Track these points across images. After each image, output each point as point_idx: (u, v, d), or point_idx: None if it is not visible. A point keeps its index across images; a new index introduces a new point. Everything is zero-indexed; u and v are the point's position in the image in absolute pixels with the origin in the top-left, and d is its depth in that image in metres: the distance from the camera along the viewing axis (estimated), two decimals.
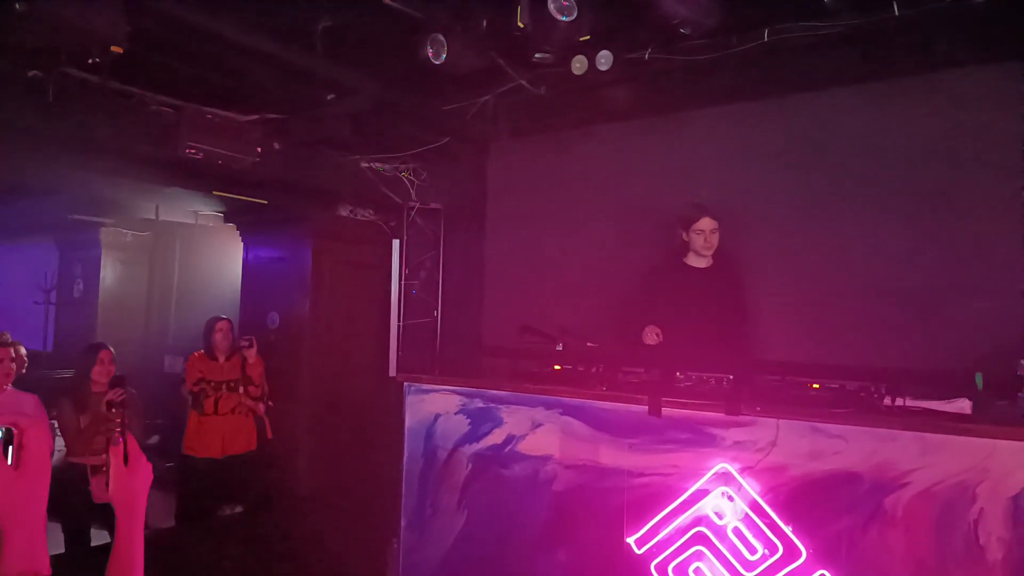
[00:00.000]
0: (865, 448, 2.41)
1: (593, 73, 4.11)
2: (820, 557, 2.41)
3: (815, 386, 2.60)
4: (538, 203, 4.68)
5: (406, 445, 3.11)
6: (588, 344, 3.04)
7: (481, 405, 3.03)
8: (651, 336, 3.18)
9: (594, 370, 2.89)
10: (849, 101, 3.68)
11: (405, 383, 3.19)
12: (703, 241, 3.36)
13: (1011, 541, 2.21)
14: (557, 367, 3.01)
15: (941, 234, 3.31)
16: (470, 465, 3.04)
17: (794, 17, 3.64)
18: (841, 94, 3.70)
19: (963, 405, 2.38)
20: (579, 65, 4.07)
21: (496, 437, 3.00)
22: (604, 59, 4.01)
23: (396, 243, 5.05)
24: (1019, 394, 2.38)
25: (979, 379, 2.42)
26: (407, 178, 5.39)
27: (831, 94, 3.72)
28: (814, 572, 2.40)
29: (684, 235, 3.44)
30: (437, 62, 3.64)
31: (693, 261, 3.46)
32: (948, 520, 2.30)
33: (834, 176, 3.62)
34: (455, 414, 3.08)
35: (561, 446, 2.87)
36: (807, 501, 2.48)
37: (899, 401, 2.46)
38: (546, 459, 2.89)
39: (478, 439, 3.03)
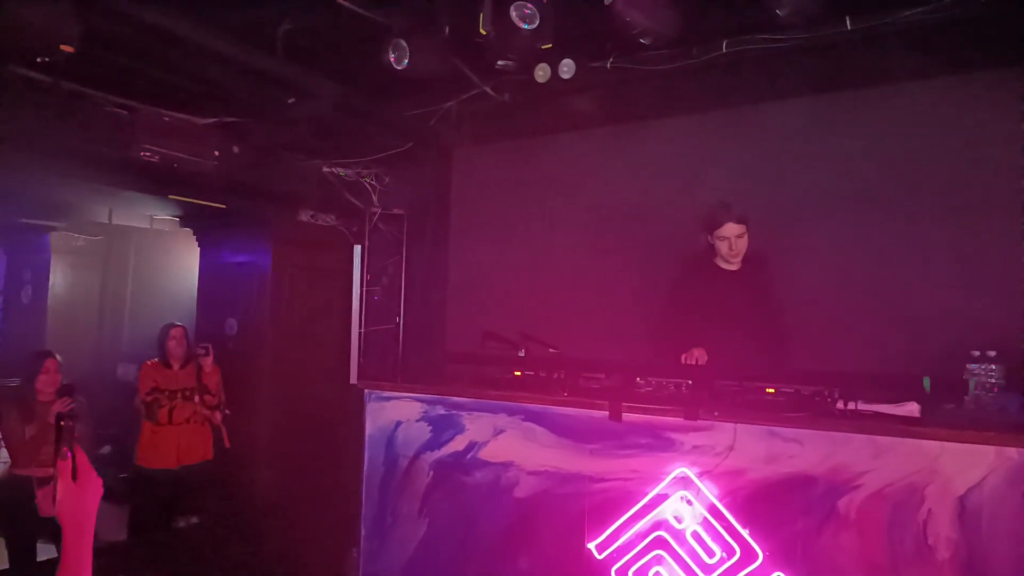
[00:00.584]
0: (820, 451, 2.48)
1: (556, 81, 4.17)
2: (777, 559, 2.46)
3: (771, 391, 2.67)
4: (502, 209, 4.72)
5: (366, 453, 3.10)
6: (550, 350, 3.07)
7: (443, 412, 3.04)
8: (692, 358, 3.08)
9: (556, 376, 2.93)
10: (807, 110, 3.80)
11: (366, 390, 3.18)
12: (728, 248, 3.27)
13: (958, 541, 2.30)
14: (518, 373, 3.03)
15: (888, 241, 3.44)
16: (431, 473, 3.04)
17: (752, 29, 3.75)
18: (798, 104, 3.82)
19: (912, 408, 2.46)
20: (542, 73, 4.13)
21: (458, 444, 3.01)
22: (567, 67, 4.07)
23: (358, 249, 5.04)
24: (965, 397, 2.47)
25: (927, 383, 2.51)
26: (369, 183, 5.38)
27: (791, 104, 3.84)
28: (771, 574, 2.46)
29: (709, 238, 3.35)
30: (399, 67, 3.64)
31: (723, 264, 3.37)
32: (899, 521, 2.38)
33: (791, 185, 3.74)
34: (416, 421, 3.08)
35: (523, 452, 2.89)
36: (764, 504, 2.54)
37: (851, 405, 2.53)
38: (508, 465, 2.91)
39: (440, 446, 3.03)
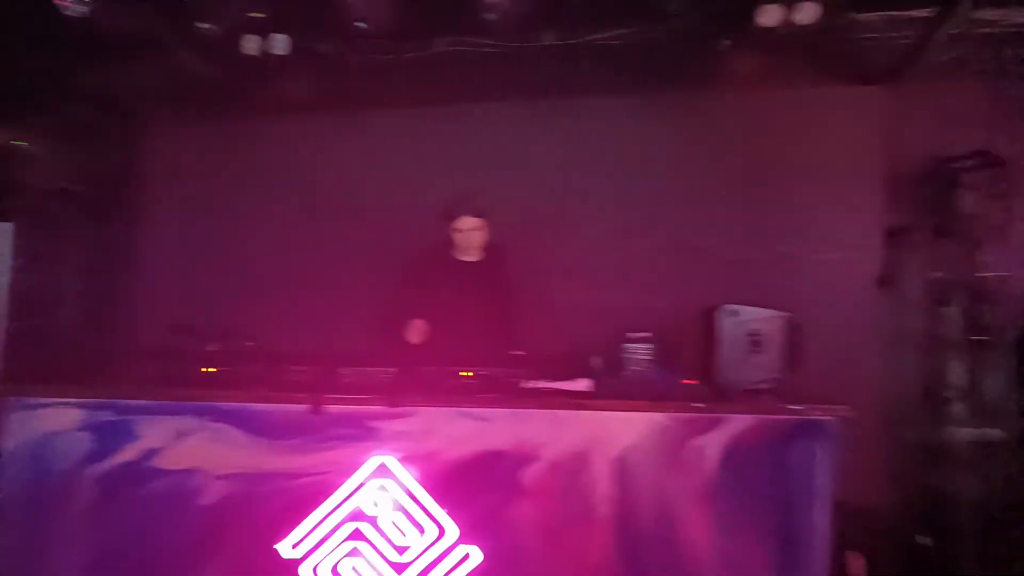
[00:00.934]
0: (507, 428, 2.68)
1: (269, 57, 3.89)
2: (470, 533, 2.61)
3: (467, 374, 2.82)
4: (204, 191, 4.31)
5: (3, 474, 2.60)
6: (247, 343, 2.88)
7: (111, 418, 2.66)
8: (415, 333, 3.10)
9: (253, 370, 2.75)
10: (516, 113, 4.08)
11: (6, 399, 2.66)
12: (460, 239, 3.36)
13: (615, 497, 2.65)
14: (210, 369, 2.79)
15: (571, 239, 3.86)
16: (96, 489, 2.65)
17: (467, 31, 3.92)
18: (509, 107, 4.10)
19: (583, 384, 2.80)
20: (251, 46, 3.82)
21: (129, 453, 2.66)
22: (280, 43, 3.83)
23: (8, 227, 4.21)
24: (622, 373, 2.87)
25: (596, 360, 2.87)
26: (27, 150, 4.51)
27: (505, 106, 4.09)
28: (463, 548, 2.60)
29: (448, 230, 3.40)
30: (72, 15, 3.09)
31: (460, 255, 3.42)
32: (570, 486, 2.67)
33: (511, 183, 3.95)
34: (77, 431, 2.66)
35: (211, 456, 2.66)
36: (458, 482, 2.67)
37: (535, 384, 2.79)
38: (192, 472, 2.65)
39: (106, 457, 2.65)
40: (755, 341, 2.79)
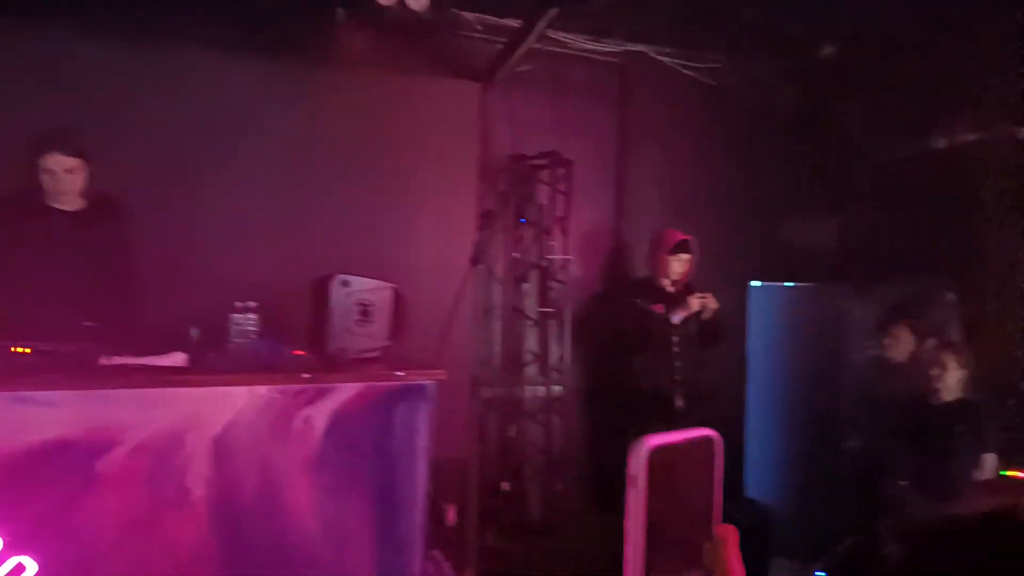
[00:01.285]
0: (78, 412, 2.30)
1: None
2: (19, 542, 2.18)
3: (23, 350, 2.34)
4: None
5: None
6: None
7: None
8: None
9: None
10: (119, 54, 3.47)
11: None
12: (49, 181, 2.85)
13: (211, 477, 2.49)
14: None
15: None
16: None
17: None
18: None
19: (179, 358, 2.55)
20: None
21: None
22: None
23: None
24: (225, 345, 2.70)
25: (194, 332, 2.64)
26: None
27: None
28: (9, 561, 2.16)
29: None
30: None
31: (53, 202, 2.85)
32: (160, 470, 2.42)
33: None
34: None
35: None
36: (10, 482, 2.21)
37: (118, 360, 2.45)
38: None
39: None
40: (364, 311, 2.89)
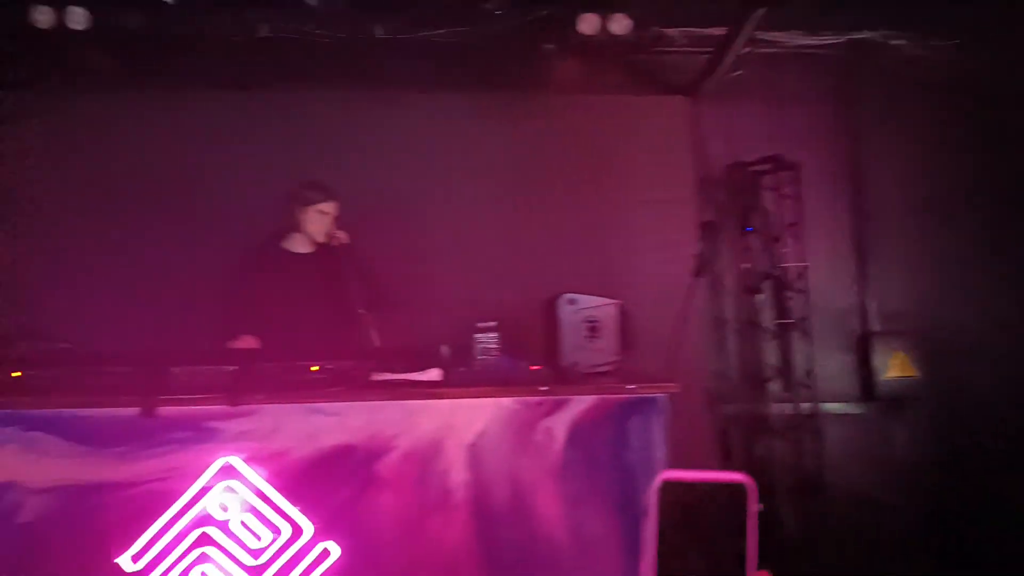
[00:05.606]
0: (359, 421, 2.89)
1: (61, 27, 3.83)
2: (324, 530, 2.78)
3: (314, 368, 3.01)
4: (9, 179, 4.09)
5: None
6: (61, 345, 2.83)
7: None
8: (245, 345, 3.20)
9: (69, 373, 2.73)
10: (345, 103, 4.32)
11: None
12: (319, 222, 3.56)
13: (469, 481, 2.96)
14: (17, 374, 2.71)
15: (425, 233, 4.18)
16: None
17: (290, 19, 4.12)
18: (336, 96, 4.32)
19: (434, 374, 3.10)
20: (44, 18, 3.78)
21: None
22: (75, 16, 3.80)
23: None
24: (471, 361, 3.21)
25: (445, 350, 3.19)
26: None
27: (330, 95, 4.31)
28: (319, 545, 2.78)
29: (300, 212, 3.57)
30: None
31: (296, 246, 3.55)
32: (425, 474, 2.92)
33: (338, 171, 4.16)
34: None
35: (26, 469, 2.57)
36: (311, 479, 2.81)
37: (385, 376, 3.05)
38: (5, 488, 2.58)
39: None
40: (592, 327, 3.27)
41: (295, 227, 3.70)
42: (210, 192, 4.14)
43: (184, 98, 4.27)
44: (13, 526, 2.58)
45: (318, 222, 3.67)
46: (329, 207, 3.67)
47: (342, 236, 3.67)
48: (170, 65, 4.18)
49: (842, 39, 4.54)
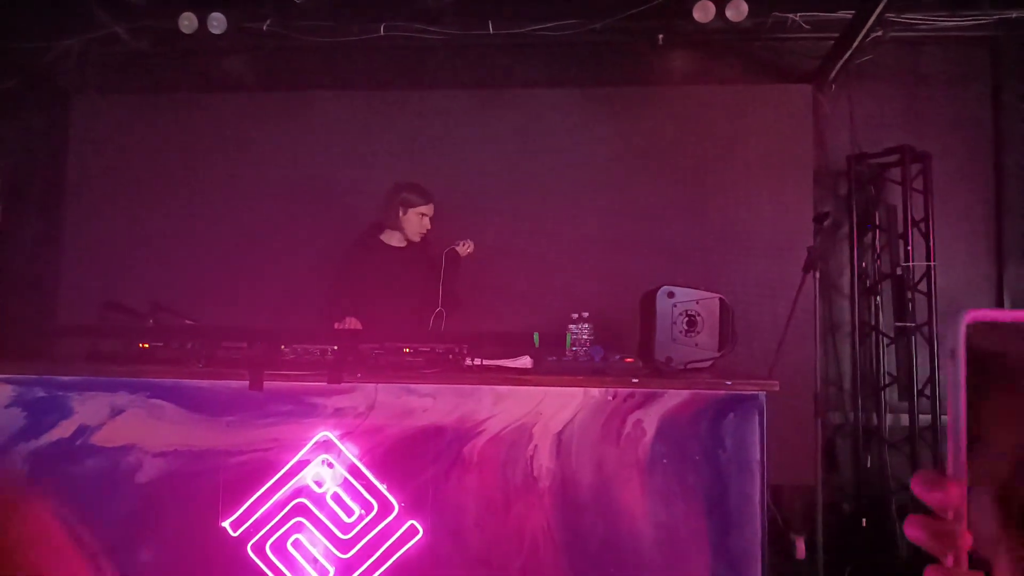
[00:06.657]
0: (449, 403, 3.01)
1: (206, 35, 4.21)
2: (410, 508, 2.91)
3: (408, 350, 3.15)
4: (136, 169, 4.57)
5: None
6: (186, 321, 3.12)
7: (42, 394, 2.86)
8: (344, 326, 3.47)
9: (189, 346, 3.01)
10: (462, 101, 4.50)
11: None
12: (420, 224, 3.81)
13: (555, 470, 3.00)
14: (145, 345, 3.03)
15: (526, 227, 4.28)
16: (27, 467, 2.85)
17: (407, 17, 4.34)
18: (452, 94, 4.50)
19: (525, 361, 3.16)
20: (187, 23, 4.14)
21: (63, 430, 2.86)
22: (216, 22, 4.16)
23: None
24: (566, 351, 3.26)
25: (536, 338, 3.25)
26: None
27: (449, 93, 4.51)
28: (405, 523, 2.91)
29: (401, 213, 3.82)
30: None
31: (392, 240, 3.85)
32: (511, 458, 3.01)
33: (455, 167, 4.36)
34: (5, 407, 2.86)
35: (148, 432, 2.88)
36: (400, 458, 2.96)
37: (477, 361, 3.14)
38: (128, 449, 2.87)
39: (39, 435, 2.86)
40: (691, 321, 3.21)
41: (394, 224, 3.89)
42: (320, 186, 4.43)
43: (302, 96, 4.57)
44: (133, 485, 2.87)
45: (417, 224, 3.88)
46: (428, 209, 3.89)
47: (468, 246, 3.85)
48: (295, 66, 4.48)
49: (988, 18, 4.21)
